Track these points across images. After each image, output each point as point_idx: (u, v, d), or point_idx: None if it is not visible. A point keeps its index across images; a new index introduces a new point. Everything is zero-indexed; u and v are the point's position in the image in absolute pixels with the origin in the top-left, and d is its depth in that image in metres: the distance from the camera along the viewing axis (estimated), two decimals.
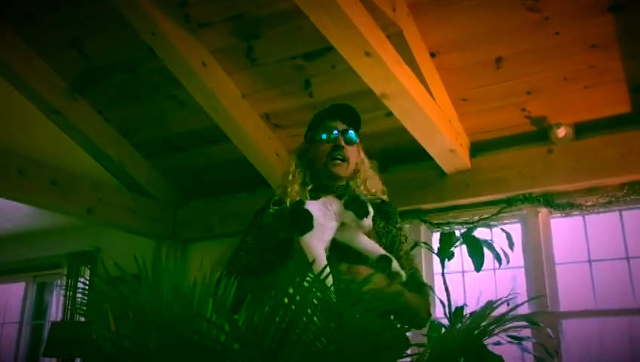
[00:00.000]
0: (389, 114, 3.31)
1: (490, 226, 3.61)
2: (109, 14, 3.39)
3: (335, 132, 1.95)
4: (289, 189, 1.93)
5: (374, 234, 1.83)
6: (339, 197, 1.77)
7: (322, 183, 1.96)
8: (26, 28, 3.75)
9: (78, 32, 3.71)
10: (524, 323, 2.17)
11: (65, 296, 5.29)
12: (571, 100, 3.38)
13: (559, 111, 3.46)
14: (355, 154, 2.00)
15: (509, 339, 2.64)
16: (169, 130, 4.32)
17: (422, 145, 3.44)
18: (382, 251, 1.74)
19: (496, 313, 1.33)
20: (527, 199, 3.57)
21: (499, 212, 3.65)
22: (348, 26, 2.58)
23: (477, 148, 3.76)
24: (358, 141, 2.01)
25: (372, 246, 1.75)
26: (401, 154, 3.95)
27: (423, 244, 3.44)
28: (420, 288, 1.86)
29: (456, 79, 3.41)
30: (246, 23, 3.37)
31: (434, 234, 3.86)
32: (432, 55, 3.29)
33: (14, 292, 6.07)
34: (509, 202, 3.62)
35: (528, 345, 2.74)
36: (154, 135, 4.41)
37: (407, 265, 1.86)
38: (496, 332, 1.29)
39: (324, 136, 1.95)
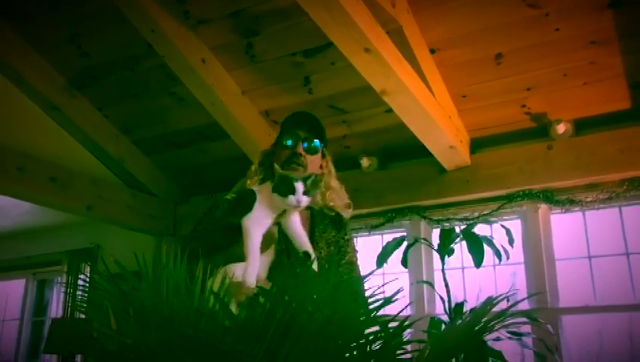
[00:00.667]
0: (389, 110, 3.31)
1: (490, 222, 3.61)
2: (109, 11, 3.39)
3: (296, 138, 1.97)
4: (247, 183, 1.99)
5: (324, 241, 1.92)
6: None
7: None
8: (26, 25, 3.75)
9: (77, 29, 3.71)
10: (524, 319, 2.18)
11: (65, 293, 5.29)
12: (571, 96, 3.38)
13: (559, 108, 3.46)
14: (315, 164, 2.00)
15: (509, 335, 2.65)
16: (169, 126, 4.32)
17: (422, 141, 3.44)
18: (307, 247, 1.74)
19: (496, 309, 1.33)
20: (527, 195, 3.57)
21: (499, 208, 3.65)
22: (347, 22, 2.58)
23: (477, 145, 3.76)
24: (321, 150, 2.01)
25: (300, 240, 1.76)
26: (400, 151, 3.95)
27: (422, 241, 3.44)
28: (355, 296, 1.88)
29: (456, 75, 3.41)
30: (245, 19, 3.37)
31: (434, 230, 3.87)
32: (432, 51, 3.28)
33: (14, 290, 6.08)
34: (509, 198, 3.62)
35: (528, 340, 2.76)
36: (153, 132, 4.41)
37: (345, 273, 1.92)
38: (496, 328, 1.28)
39: (286, 142, 1.97)
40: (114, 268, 1.21)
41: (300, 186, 1.71)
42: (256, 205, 1.71)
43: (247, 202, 1.72)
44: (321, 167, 2.03)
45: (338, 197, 2.06)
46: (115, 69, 3.94)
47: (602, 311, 3.49)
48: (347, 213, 2.08)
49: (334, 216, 2.02)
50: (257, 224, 1.67)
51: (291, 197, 1.69)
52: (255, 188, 1.82)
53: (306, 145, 1.96)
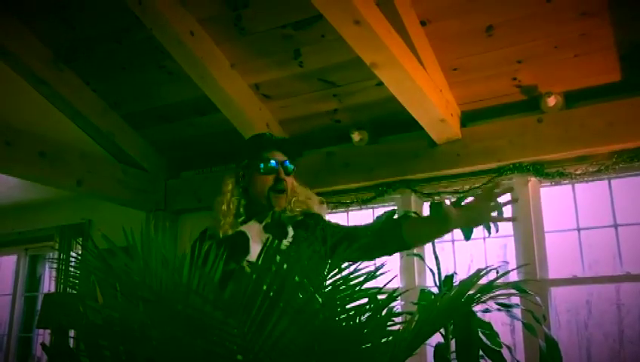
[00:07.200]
0: (380, 83, 3.29)
1: None
2: None
3: (274, 163, 2.08)
4: (222, 223, 2.04)
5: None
6: (259, 221, 1.97)
7: (258, 212, 2.08)
8: None
9: (64, 0, 3.64)
10: (512, 290, 2.20)
11: (57, 268, 5.29)
12: (562, 69, 3.37)
13: (550, 80, 3.45)
14: (290, 184, 2.12)
15: (498, 307, 2.68)
16: (158, 100, 4.28)
17: (412, 114, 3.43)
18: None
19: (486, 281, 1.34)
20: (517, 168, 3.58)
21: (489, 181, 3.66)
22: None
23: (467, 118, 3.75)
24: (294, 170, 2.14)
25: None
26: (391, 125, 3.94)
27: (413, 214, 3.45)
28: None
29: (446, 48, 3.38)
30: None
31: (425, 204, 3.88)
32: (423, 23, 3.25)
33: (6, 265, 6.08)
34: (500, 171, 3.63)
35: (517, 312, 2.79)
36: (143, 106, 4.38)
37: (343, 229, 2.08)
38: (484, 299, 1.30)
39: (262, 167, 2.08)
40: (104, 243, 1.21)
41: (291, 230, 1.92)
42: (252, 245, 1.86)
43: (241, 245, 1.86)
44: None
45: (306, 201, 2.16)
46: (102, 42, 3.88)
47: (591, 282, 3.54)
48: (321, 209, 2.20)
49: (302, 219, 2.10)
50: None
51: (284, 241, 1.88)
52: (243, 228, 1.97)
53: (284, 169, 2.10)
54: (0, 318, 5.97)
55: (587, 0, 2.99)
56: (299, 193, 2.16)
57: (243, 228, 1.99)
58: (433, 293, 3.02)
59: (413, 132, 3.74)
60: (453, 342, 2.66)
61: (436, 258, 3.01)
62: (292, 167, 2.12)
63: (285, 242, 1.90)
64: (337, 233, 2.01)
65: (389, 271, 1.17)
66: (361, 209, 4.10)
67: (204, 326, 0.98)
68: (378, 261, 2.04)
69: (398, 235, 1.95)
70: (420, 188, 3.86)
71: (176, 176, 4.90)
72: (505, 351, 2.54)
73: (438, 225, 1.94)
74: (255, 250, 1.86)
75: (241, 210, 2.08)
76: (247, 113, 3.89)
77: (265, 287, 0.93)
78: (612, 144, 3.34)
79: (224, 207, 2.07)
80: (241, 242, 1.88)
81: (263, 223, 1.97)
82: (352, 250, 1.07)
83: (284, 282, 0.93)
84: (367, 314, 1.07)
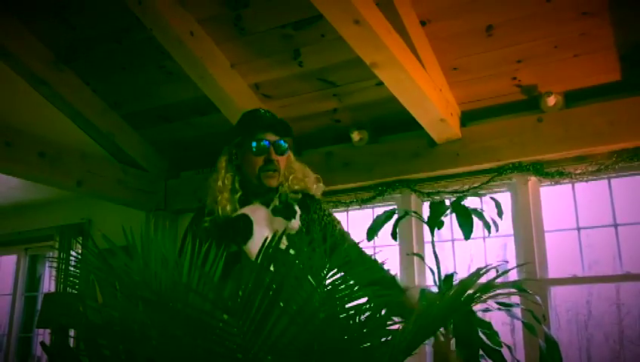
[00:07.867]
0: (380, 83, 3.29)
1: (480, 195, 3.63)
2: None
3: (266, 143, 2.07)
4: (219, 198, 2.04)
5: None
6: (265, 205, 1.97)
7: (252, 190, 2.09)
8: None
9: (63, 1, 3.64)
10: (512, 289, 2.20)
11: (57, 268, 5.29)
12: (562, 68, 3.37)
13: (550, 80, 3.45)
14: (284, 162, 2.12)
15: (498, 306, 2.68)
16: (158, 100, 4.28)
17: (412, 114, 3.43)
18: None
19: (486, 280, 1.34)
20: (517, 168, 3.58)
21: (489, 181, 3.66)
22: None
23: (467, 117, 3.75)
24: (287, 149, 2.13)
25: None
26: (391, 124, 3.94)
27: (413, 213, 3.45)
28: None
29: (446, 48, 3.38)
30: None
31: (424, 203, 3.88)
32: (423, 23, 3.26)
33: (7, 265, 6.08)
34: (499, 171, 3.63)
35: (517, 311, 2.79)
36: (143, 106, 4.38)
37: (345, 242, 2.09)
38: (484, 298, 1.30)
39: (256, 149, 2.06)
40: (104, 243, 1.21)
41: (298, 209, 1.95)
42: (256, 229, 1.87)
43: (245, 227, 1.86)
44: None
45: (303, 179, 2.17)
46: (102, 43, 3.88)
47: (591, 281, 3.54)
48: (318, 188, 2.19)
49: (301, 199, 2.09)
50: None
51: (293, 221, 1.92)
52: (246, 211, 1.96)
53: (276, 149, 2.08)
54: (0, 318, 5.97)
55: (587, 0, 2.99)
56: (296, 169, 2.16)
57: (245, 210, 1.98)
58: (433, 293, 3.01)
59: (413, 131, 3.74)
60: (452, 342, 2.66)
61: (436, 257, 3.00)
62: (285, 145, 2.11)
63: (294, 223, 1.92)
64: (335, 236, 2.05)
65: (388, 270, 1.17)
66: (360, 208, 4.10)
67: (204, 326, 0.98)
68: (378, 261, 2.06)
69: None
70: (420, 187, 3.86)
71: (176, 176, 4.90)
72: (505, 351, 2.54)
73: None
74: (260, 233, 1.85)
75: (237, 185, 2.08)
76: None
77: (264, 286, 0.93)
78: (612, 143, 3.34)
79: (219, 183, 2.08)
80: (244, 225, 1.88)
81: (271, 207, 1.97)
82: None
83: (284, 280, 0.93)
84: (366, 314, 1.07)
